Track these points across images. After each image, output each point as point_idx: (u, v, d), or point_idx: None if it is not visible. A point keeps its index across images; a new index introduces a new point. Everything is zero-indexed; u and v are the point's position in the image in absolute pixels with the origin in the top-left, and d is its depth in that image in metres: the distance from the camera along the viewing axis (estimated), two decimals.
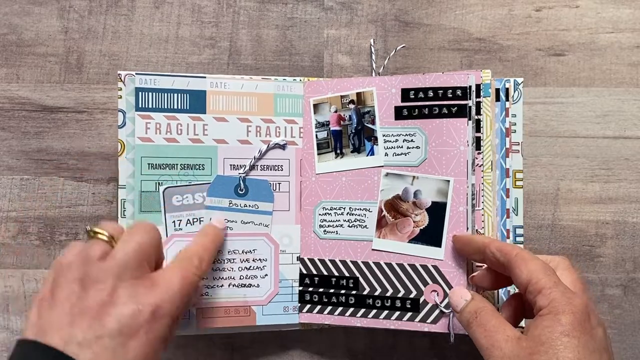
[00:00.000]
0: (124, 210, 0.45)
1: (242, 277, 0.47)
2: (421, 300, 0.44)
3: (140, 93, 0.45)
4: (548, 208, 0.49)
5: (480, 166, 0.45)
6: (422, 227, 0.44)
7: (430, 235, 0.44)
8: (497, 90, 0.47)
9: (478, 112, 0.45)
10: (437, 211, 0.44)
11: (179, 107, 0.46)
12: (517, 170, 0.48)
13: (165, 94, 0.46)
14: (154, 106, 0.46)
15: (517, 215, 0.48)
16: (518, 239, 0.48)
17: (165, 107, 0.46)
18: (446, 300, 0.43)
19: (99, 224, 0.36)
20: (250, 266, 0.47)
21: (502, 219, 0.46)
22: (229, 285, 0.46)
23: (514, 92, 0.49)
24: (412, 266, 0.44)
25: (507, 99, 0.47)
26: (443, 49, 0.50)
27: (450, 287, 0.43)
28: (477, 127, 0.45)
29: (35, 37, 0.50)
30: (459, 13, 0.50)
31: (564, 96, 0.49)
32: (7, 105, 0.50)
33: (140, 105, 0.45)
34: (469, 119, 0.44)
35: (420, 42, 0.50)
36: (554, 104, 0.49)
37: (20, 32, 0.50)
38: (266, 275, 0.47)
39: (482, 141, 0.45)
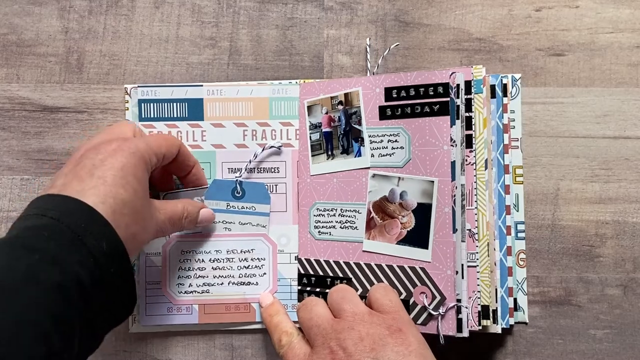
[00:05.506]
0: None
1: (241, 276, 0.48)
2: (411, 301, 0.43)
3: (142, 104, 0.48)
4: (548, 208, 0.49)
5: (472, 165, 0.44)
6: (409, 229, 0.44)
7: (417, 237, 0.44)
8: (493, 87, 0.46)
9: (469, 110, 0.44)
10: (423, 212, 0.44)
11: (179, 116, 0.48)
12: (517, 166, 0.48)
13: (165, 104, 0.48)
14: (155, 116, 0.48)
15: (518, 211, 0.48)
16: (520, 234, 0.48)
17: (166, 116, 0.48)
18: (435, 302, 0.43)
19: None
20: (249, 265, 0.48)
21: (502, 216, 0.46)
22: (228, 284, 0.48)
23: (512, 87, 0.49)
24: (401, 268, 0.44)
25: (505, 95, 0.47)
26: (443, 49, 0.50)
27: (437, 289, 0.43)
28: (469, 124, 0.44)
29: (36, 37, 0.50)
30: (459, 13, 0.50)
31: (564, 96, 0.49)
32: (7, 105, 0.50)
33: (143, 116, 0.48)
34: (457, 117, 0.43)
35: (420, 42, 0.50)
36: (553, 104, 0.49)
37: (20, 32, 0.50)
38: (265, 274, 0.48)
39: (473, 139, 0.44)
